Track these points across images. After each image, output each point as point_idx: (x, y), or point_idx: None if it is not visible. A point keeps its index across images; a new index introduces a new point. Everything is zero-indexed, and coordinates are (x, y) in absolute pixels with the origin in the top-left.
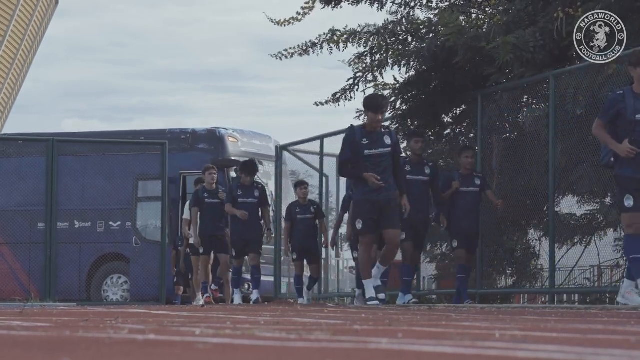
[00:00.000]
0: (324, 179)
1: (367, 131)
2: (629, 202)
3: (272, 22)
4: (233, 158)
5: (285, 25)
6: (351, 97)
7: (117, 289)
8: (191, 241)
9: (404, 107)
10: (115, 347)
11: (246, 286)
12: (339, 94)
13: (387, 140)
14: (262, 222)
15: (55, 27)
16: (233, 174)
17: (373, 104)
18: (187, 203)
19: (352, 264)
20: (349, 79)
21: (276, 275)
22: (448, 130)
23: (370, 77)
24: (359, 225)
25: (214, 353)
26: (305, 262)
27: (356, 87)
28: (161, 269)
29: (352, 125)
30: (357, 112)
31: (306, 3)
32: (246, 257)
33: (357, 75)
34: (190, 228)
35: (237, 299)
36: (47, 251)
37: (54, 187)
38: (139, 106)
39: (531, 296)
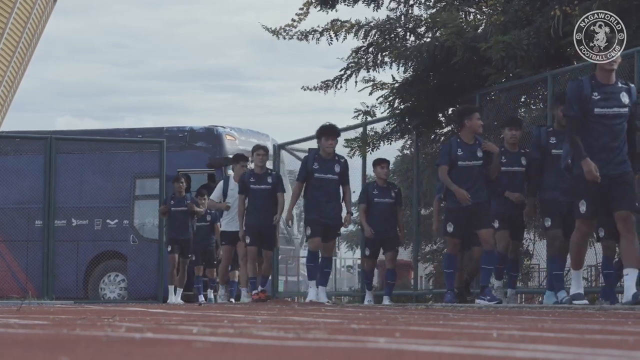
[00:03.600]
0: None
1: (600, 83)
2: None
3: (268, 30)
4: (230, 156)
5: (280, 34)
6: (341, 87)
7: (115, 287)
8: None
9: (402, 106)
10: (114, 346)
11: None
12: (330, 82)
13: (625, 99)
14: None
15: (55, 27)
16: (231, 172)
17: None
18: (219, 183)
19: (349, 263)
20: (342, 69)
21: (273, 274)
22: (445, 130)
23: (365, 71)
24: (582, 208)
25: (213, 352)
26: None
27: (348, 78)
28: (159, 267)
29: (579, 77)
30: (355, 112)
31: (300, 9)
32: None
33: (350, 65)
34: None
35: (313, 293)
36: (45, 249)
37: (51, 184)
38: (137, 106)
39: (528, 296)
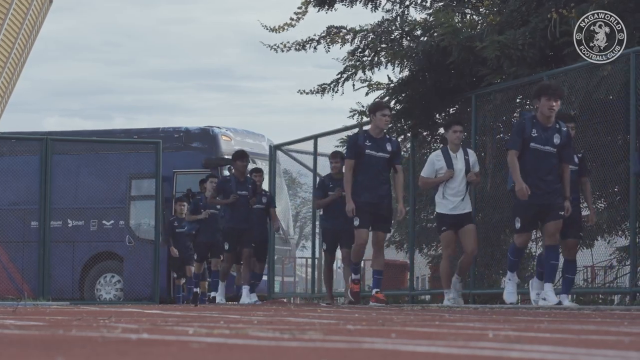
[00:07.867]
0: (318, 178)
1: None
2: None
3: (266, 28)
4: (226, 157)
5: (279, 32)
6: (337, 90)
7: (111, 288)
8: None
9: (398, 107)
10: (110, 346)
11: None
12: (326, 86)
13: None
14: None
15: (48, 26)
16: (226, 172)
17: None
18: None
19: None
20: (338, 73)
21: (270, 274)
22: (442, 130)
23: (361, 74)
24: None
25: (208, 353)
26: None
27: (344, 82)
28: (154, 267)
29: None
30: (350, 112)
31: (299, 8)
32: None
33: (347, 69)
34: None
35: (511, 297)
36: (41, 250)
37: (47, 185)
38: (131, 105)
39: (525, 296)
